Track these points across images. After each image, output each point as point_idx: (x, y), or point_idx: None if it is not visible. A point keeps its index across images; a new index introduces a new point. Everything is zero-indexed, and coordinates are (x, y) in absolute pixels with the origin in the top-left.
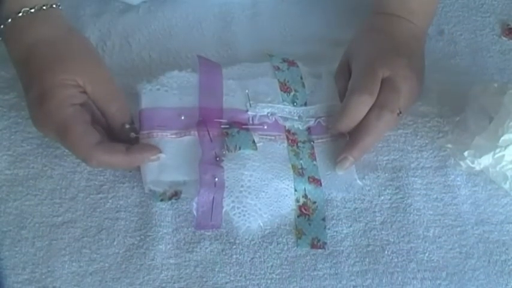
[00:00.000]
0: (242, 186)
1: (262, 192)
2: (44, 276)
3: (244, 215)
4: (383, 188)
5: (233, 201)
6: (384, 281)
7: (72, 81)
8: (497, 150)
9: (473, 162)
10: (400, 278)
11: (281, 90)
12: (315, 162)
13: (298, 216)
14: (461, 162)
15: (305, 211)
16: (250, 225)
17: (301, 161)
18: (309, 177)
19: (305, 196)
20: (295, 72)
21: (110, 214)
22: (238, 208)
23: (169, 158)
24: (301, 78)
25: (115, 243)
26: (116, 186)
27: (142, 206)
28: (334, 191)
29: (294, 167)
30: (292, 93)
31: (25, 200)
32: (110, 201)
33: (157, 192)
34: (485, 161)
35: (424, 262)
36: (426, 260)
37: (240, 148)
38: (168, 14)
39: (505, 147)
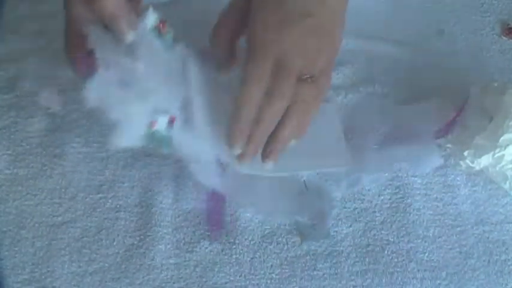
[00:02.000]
0: None
1: None
2: (43, 276)
3: None
4: (383, 188)
5: None
6: (383, 280)
7: None
8: (497, 150)
9: (473, 162)
10: (400, 278)
11: None
12: None
13: None
14: (461, 162)
15: None
16: None
17: None
18: None
19: None
20: None
21: (110, 214)
22: None
23: None
24: None
25: (115, 243)
26: (115, 186)
27: (142, 206)
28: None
29: None
30: None
31: (25, 199)
32: (110, 201)
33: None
34: (485, 160)
35: (424, 262)
36: (426, 259)
37: None
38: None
39: (505, 147)
